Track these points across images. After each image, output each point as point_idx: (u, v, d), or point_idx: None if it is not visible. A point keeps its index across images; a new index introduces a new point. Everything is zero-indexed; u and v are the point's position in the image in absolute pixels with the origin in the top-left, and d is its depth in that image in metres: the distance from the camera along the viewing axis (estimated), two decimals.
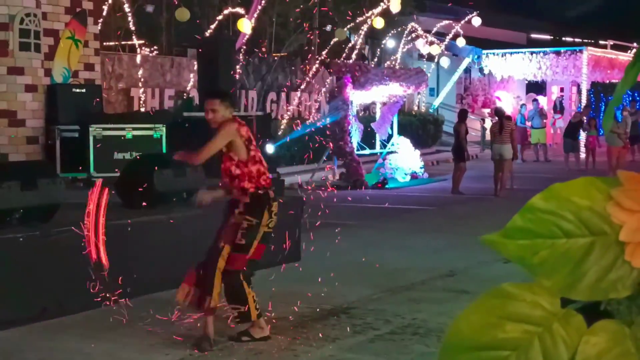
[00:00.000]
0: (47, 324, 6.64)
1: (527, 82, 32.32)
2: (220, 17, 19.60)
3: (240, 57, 19.82)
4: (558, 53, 28.70)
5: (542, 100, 32.32)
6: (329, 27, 24.17)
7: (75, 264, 7.06)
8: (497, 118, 17.15)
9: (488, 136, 29.24)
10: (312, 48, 24.37)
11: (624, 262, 0.85)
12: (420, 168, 19.62)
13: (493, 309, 0.85)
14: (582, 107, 26.55)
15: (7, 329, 6.39)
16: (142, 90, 18.28)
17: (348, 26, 23.32)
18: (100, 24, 14.97)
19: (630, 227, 0.84)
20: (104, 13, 15.61)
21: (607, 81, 31.70)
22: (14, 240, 6.66)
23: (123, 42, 19.11)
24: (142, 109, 17.84)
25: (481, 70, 30.69)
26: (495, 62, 29.50)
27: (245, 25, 18.85)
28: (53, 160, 12.21)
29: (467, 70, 32.94)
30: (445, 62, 28.81)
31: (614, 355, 0.83)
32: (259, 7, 20.04)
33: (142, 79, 18.32)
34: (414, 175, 19.26)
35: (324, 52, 22.61)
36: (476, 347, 0.85)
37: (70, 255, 7.06)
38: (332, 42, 22.54)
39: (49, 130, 12.79)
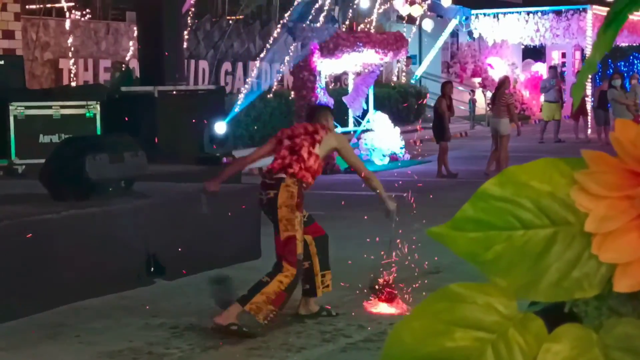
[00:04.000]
0: None
1: (523, 46, 32.46)
2: None
3: (188, 21, 19.72)
4: (558, 13, 28.79)
5: (541, 68, 32.46)
6: None
7: None
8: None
9: (478, 110, 29.53)
10: (273, 10, 24.29)
11: (591, 256, 0.85)
12: (401, 148, 19.67)
13: (440, 314, 0.85)
14: (613, 72, 26.58)
15: None
16: (72, 61, 18.13)
17: None
18: None
19: (597, 215, 0.84)
20: None
21: (619, 44, 31.83)
22: None
23: (49, 5, 18.92)
24: (73, 84, 17.70)
25: (470, 33, 30.76)
26: (487, 24, 29.52)
27: None
28: None
29: (454, 34, 33.03)
30: (428, 24, 28.86)
31: None
32: None
33: (72, 48, 18.17)
34: (393, 157, 19.30)
35: (286, 15, 22.54)
36: (421, 358, 0.85)
37: None
38: (295, 3, 22.49)
39: None
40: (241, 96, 20.41)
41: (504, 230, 0.88)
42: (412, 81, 29.72)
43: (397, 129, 19.92)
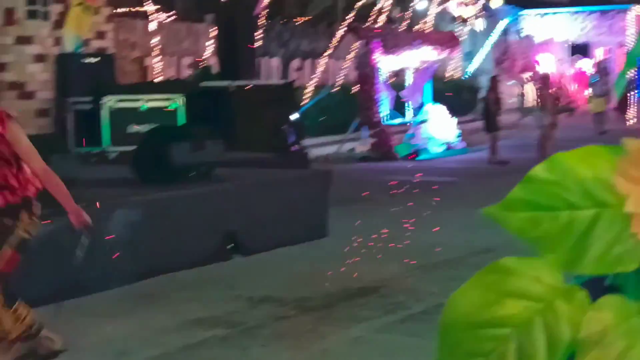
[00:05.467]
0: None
1: (569, 44, 31.96)
2: None
3: (262, 22, 19.78)
4: (603, 12, 28.25)
5: (586, 64, 31.86)
6: None
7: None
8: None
9: (527, 103, 29.14)
10: (337, 11, 24.24)
11: (631, 234, 0.86)
12: (457, 137, 19.52)
13: (492, 285, 0.87)
14: None
15: None
16: (157, 59, 18.33)
17: None
18: None
19: (636, 198, 0.85)
20: None
21: None
22: None
23: (137, 9, 19.12)
24: (158, 79, 17.90)
25: (518, 32, 30.38)
26: (534, 24, 29.11)
27: None
28: (65, 134, 12.34)
29: (505, 33, 32.64)
30: (479, 24, 28.58)
31: (620, 332, 0.83)
32: None
33: (157, 47, 18.36)
34: (449, 146, 19.16)
35: (349, 16, 22.50)
36: (475, 324, 0.86)
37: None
38: (357, 5, 22.43)
39: (60, 102, 12.91)
40: (309, 90, 20.45)
41: (551, 210, 0.89)
42: (465, 76, 29.47)
43: (454, 120, 19.78)
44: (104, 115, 11.99)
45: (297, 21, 23.17)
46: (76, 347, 5.67)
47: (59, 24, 13.49)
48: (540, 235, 0.88)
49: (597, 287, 0.88)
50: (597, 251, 0.87)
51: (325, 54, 22.62)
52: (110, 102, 12.06)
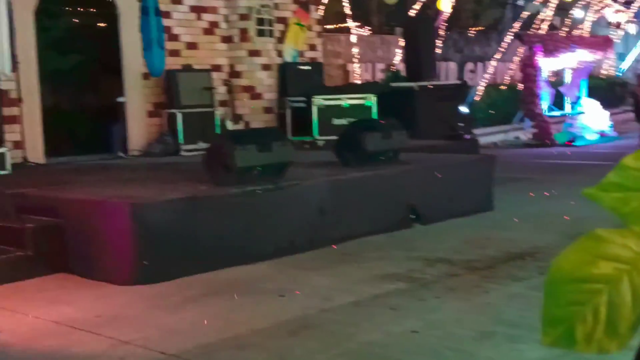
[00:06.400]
0: (279, 260, 7.04)
1: None
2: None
3: (442, 32, 19.56)
4: None
5: None
6: (521, 2, 23.23)
7: (302, 211, 7.44)
8: None
9: None
10: (506, 21, 23.54)
11: None
12: (609, 127, 18.54)
13: (589, 249, 0.89)
14: None
15: (252, 264, 6.83)
16: (357, 65, 18.56)
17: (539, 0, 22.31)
18: (321, 11, 15.34)
19: None
20: (325, 1, 15.95)
21: None
22: (254, 192, 7.10)
23: (341, 25, 19.43)
24: (357, 82, 18.12)
25: None
26: None
27: (444, 4, 18.57)
28: (284, 126, 12.78)
29: None
30: (632, 28, 26.86)
31: None
32: None
33: (357, 56, 18.58)
34: (602, 134, 18.23)
35: (516, 25, 21.81)
36: (575, 279, 0.89)
37: (297, 204, 7.44)
38: (523, 15, 21.70)
39: (281, 101, 13.37)
40: (480, 88, 20.03)
41: (638, 191, 0.90)
42: (619, 74, 27.83)
43: (607, 112, 18.79)
44: (314, 111, 12.32)
45: (471, 30, 22.71)
46: (291, 293, 5.91)
47: (280, 40, 13.94)
48: (629, 211, 0.90)
49: None
50: None
51: (495, 57, 22.06)
52: (318, 100, 12.36)
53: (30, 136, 10.87)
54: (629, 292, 0.86)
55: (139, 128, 12.15)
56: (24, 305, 5.80)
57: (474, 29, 22.75)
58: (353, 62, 18.58)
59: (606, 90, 25.16)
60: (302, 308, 5.52)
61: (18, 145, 10.68)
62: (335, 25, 19.35)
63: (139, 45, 12.06)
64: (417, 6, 19.22)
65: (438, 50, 17.75)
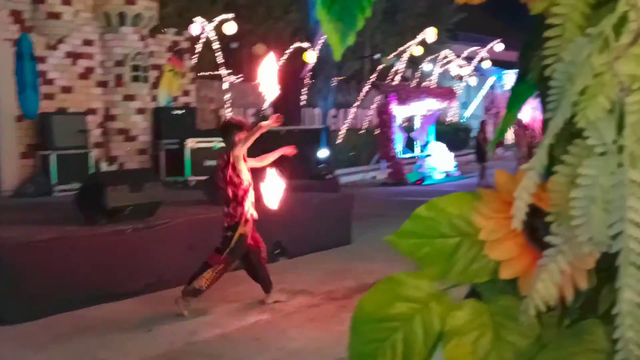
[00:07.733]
0: (149, 296, 6.82)
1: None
2: (289, 51, 19.73)
3: (307, 81, 19.93)
4: None
5: None
6: (377, 56, 24.12)
7: (171, 248, 7.26)
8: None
9: (507, 141, 28.86)
10: (365, 73, 24.34)
11: (484, 255, 0.90)
12: (454, 167, 19.42)
13: (387, 291, 0.92)
14: None
15: (122, 300, 6.59)
16: (228, 109, 18.52)
17: (393, 54, 23.23)
18: (194, 59, 15.25)
19: (487, 229, 0.90)
20: (198, 50, 15.89)
21: None
22: (124, 231, 6.89)
23: (213, 72, 19.39)
24: None
25: (502, 87, 30.25)
26: (514, 80, 28.97)
27: (310, 56, 18.95)
28: (158, 167, 12.53)
29: (492, 87, 32.47)
30: (473, 81, 28.48)
31: (473, 325, 0.88)
32: (320, 41, 20.11)
33: (229, 101, 18.57)
34: (448, 174, 19.08)
35: (373, 76, 22.58)
36: (376, 319, 0.91)
37: (167, 241, 7.26)
38: (379, 68, 22.51)
39: (156, 143, 13.12)
40: (341, 132, 20.49)
41: (429, 238, 0.94)
42: (462, 120, 29.36)
43: (452, 154, 19.70)
44: (187, 153, 12.16)
45: (333, 80, 23.28)
46: (159, 328, 5.71)
47: (155, 85, 13.73)
48: (422, 256, 0.93)
49: (471, 294, 0.92)
50: (460, 267, 0.91)
51: (355, 104, 22.69)
52: (191, 143, 12.22)
53: None
54: (420, 328, 0.89)
55: (11, 169, 11.56)
56: None
57: (336, 78, 23.34)
58: (225, 107, 18.55)
59: (451, 135, 26.44)
60: (169, 342, 5.36)
61: None
62: (209, 73, 19.27)
63: (14, 88, 11.54)
64: (284, 57, 19.50)
65: (303, 98, 18.06)
